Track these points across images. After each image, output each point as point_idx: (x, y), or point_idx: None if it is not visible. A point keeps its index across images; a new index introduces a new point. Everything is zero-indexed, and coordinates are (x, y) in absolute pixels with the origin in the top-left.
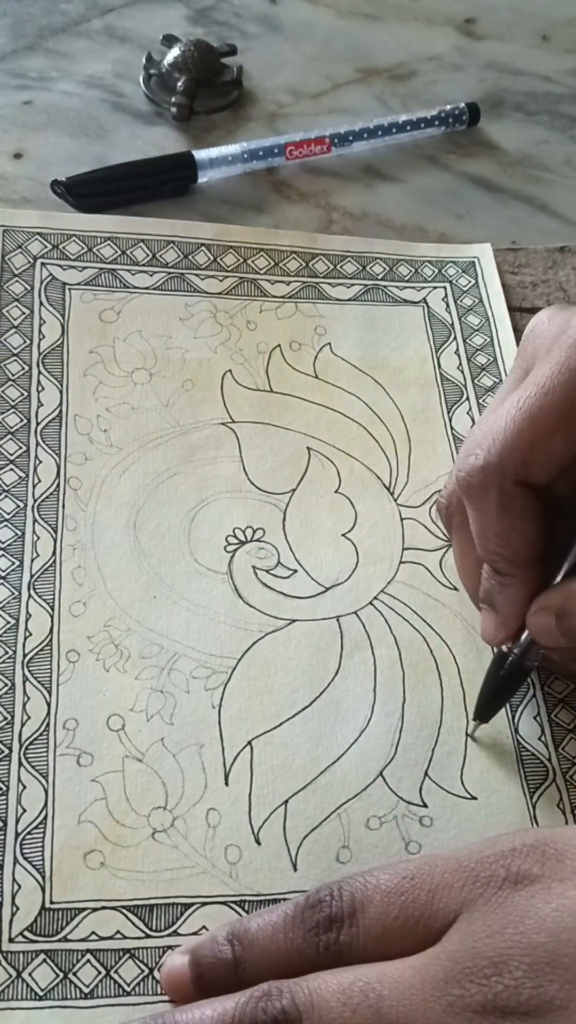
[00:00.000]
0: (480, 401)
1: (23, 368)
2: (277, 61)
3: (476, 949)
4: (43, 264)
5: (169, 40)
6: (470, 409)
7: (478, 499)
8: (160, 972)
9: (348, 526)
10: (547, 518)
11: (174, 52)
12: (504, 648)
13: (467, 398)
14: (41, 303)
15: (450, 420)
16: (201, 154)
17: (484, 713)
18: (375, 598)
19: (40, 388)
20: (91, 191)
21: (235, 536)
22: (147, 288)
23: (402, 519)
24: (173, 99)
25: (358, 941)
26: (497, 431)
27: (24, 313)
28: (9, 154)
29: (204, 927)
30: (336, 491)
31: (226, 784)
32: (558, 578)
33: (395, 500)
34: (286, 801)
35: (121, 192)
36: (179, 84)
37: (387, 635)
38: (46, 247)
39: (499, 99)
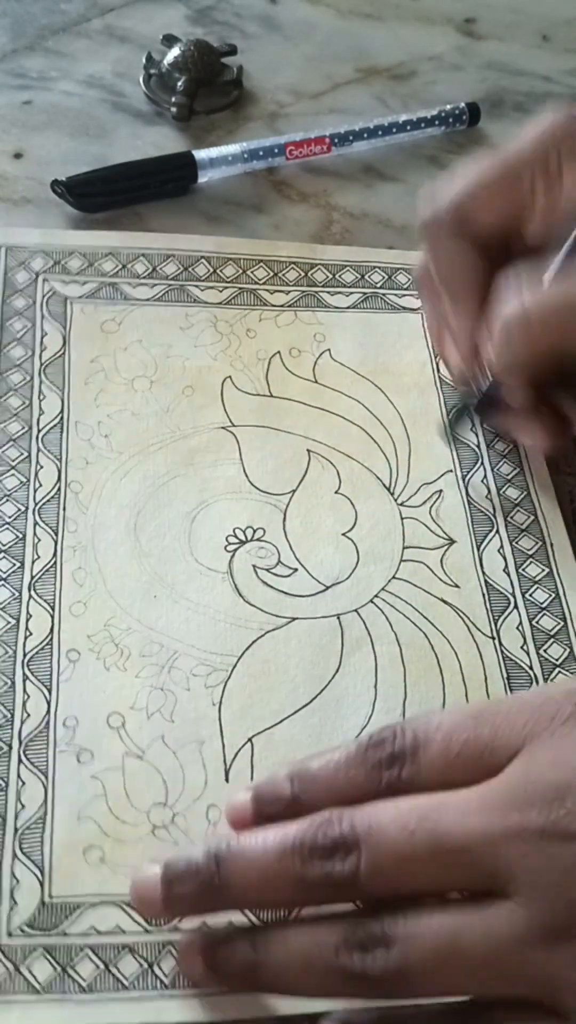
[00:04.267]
0: None
1: (25, 378)
2: (277, 61)
3: (538, 776)
4: (45, 279)
5: (169, 40)
6: (469, 411)
7: (433, 236)
8: (224, 809)
9: (348, 525)
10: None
11: (174, 52)
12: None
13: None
14: (43, 316)
15: (450, 421)
16: (201, 154)
17: (449, 431)
18: (376, 596)
19: (42, 396)
20: (91, 191)
21: (235, 536)
22: (148, 300)
23: (402, 519)
24: (173, 99)
25: (419, 777)
26: (459, 179)
27: (26, 326)
28: (9, 154)
29: (204, 922)
30: (336, 492)
31: (226, 781)
32: None
33: (395, 500)
34: None
35: (121, 192)
36: (179, 84)
37: (388, 632)
38: (48, 263)
39: (499, 99)
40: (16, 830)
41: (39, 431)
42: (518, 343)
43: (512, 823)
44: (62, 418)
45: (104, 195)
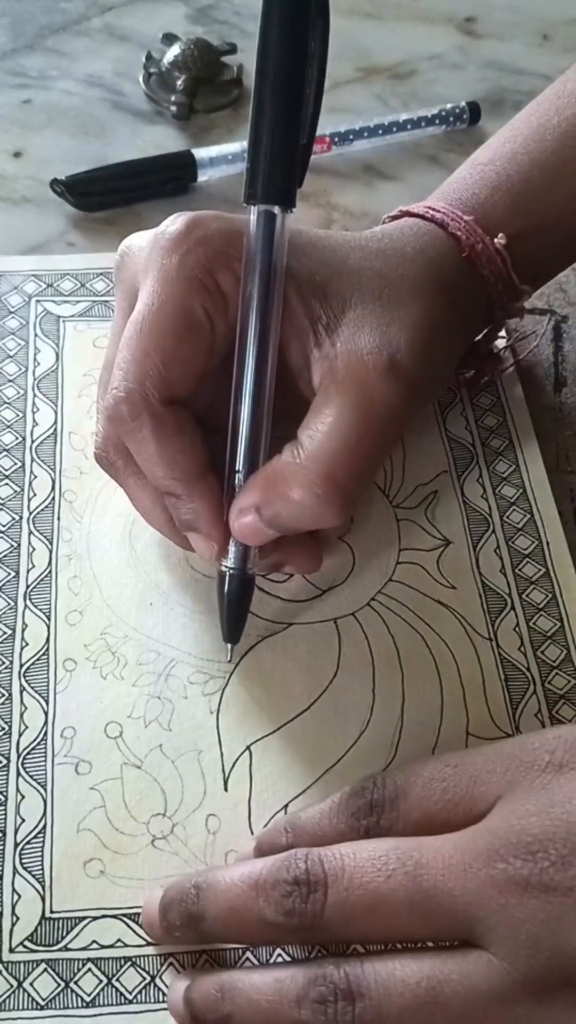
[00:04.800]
0: (474, 401)
1: (19, 392)
2: None
3: (521, 826)
4: (38, 301)
5: (169, 39)
6: (464, 410)
7: (133, 432)
8: (234, 860)
9: (343, 529)
10: (202, 432)
11: (174, 51)
12: (223, 567)
13: (460, 399)
14: (36, 335)
15: (444, 421)
16: (201, 153)
17: (231, 634)
18: (372, 599)
19: (35, 409)
20: (91, 190)
21: None
22: None
23: (398, 520)
24: (173, 98)
25: (398, 825)
26: (127, 360)
27: (20, 344)
28: (9, 153)
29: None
30: None
31: (225, 790)
32: (238, 484)
33: (391, 502)
34: (286, 805)
35: (121, 191)
36: (179, 83)
37: (385, 635)
38: (41, 286)
39: (500, 98)
40: (16, 844)
41: (33, 442)
42: (346, 505)
43: (495, 872)
44: (56, 429)
45: (104, 194)
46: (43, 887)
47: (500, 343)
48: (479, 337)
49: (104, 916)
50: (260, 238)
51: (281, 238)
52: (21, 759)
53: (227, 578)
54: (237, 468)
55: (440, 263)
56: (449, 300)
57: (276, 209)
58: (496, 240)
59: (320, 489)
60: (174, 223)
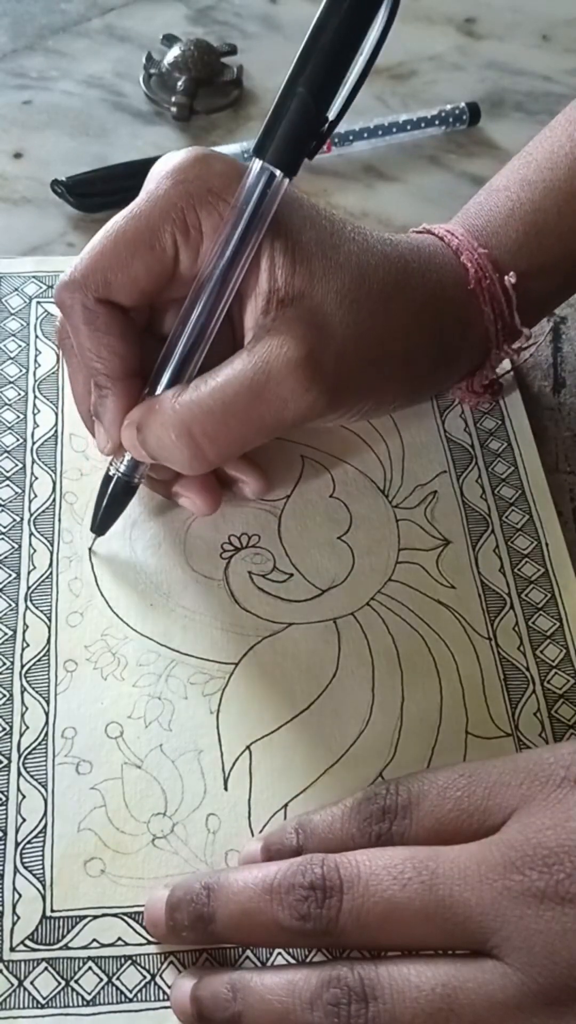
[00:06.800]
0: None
1: (20, 394)
2: (277, 60)
3: (537, 840)
4: (39, 303)
5: (169, 40)
6: (463, 412)
7: (69, 314)
8: (238, 859)
9: (343, 529)
10: (143, 339)
11: (174, 52)
12: (113, 469)
13: (459, 400)
14: (37, 336)
15: (443, 422)
16: None
17: (98, 527)
18: (372, 599)
19: (36, 411)
20: (91, 191)
21: (230, 543)
22: None
23: (397, 520)
24: (173, 99)
25: (410, 832)
26: (87, 251)
27: (20, 346)
28: (9, 153)
29: (206, 952)
30: (331, 495)
31: (225, 789)
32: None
33: (390, 502)
34: (286, 805)
35: (121, 192)
36: (179, 84)
37: (384, 635)
38: (41, 288)
39: (499, 99)
40: (17, 844)
41: (34, 443)
42: (194, 460)
43: (512, 884)
44: (56, 431)
45: (104, 195)
46: (44, 886)
47: (506, 364)
48: (474, 375)
49: (104, 915)
50: (254, 193)
51: (272, 199)
52: (22, 759)
53: (113, 480)
54: (161, 382)
55: (440, 288)
56: (435, 326)
57: (277, 172)
58: (506, 278)
59: (175, 434)
60: (186, 152)
